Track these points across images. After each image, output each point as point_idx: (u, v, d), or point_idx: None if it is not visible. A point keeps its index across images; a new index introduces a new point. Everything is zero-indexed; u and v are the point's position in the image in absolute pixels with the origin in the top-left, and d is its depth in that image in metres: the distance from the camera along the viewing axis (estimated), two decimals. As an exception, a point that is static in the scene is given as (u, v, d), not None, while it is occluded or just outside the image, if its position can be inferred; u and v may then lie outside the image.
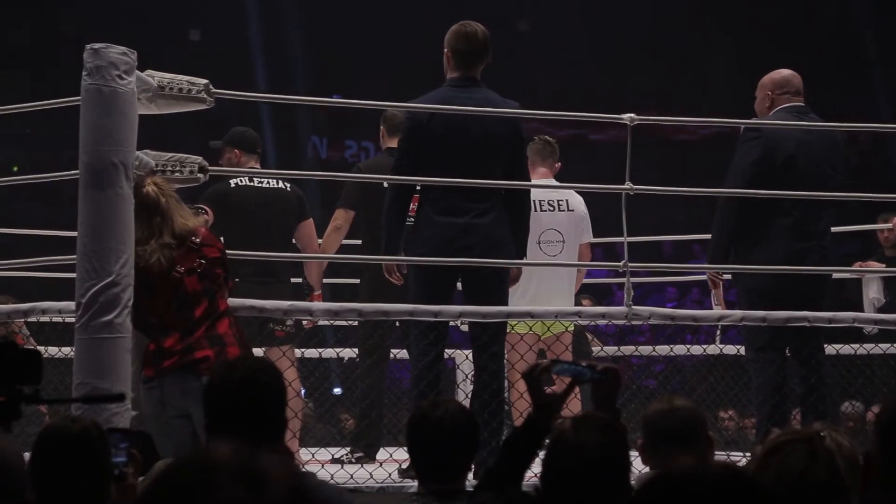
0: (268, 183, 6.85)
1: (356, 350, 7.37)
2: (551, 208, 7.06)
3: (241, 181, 6.79)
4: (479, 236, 5.66)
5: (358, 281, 7.10)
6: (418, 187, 5.87)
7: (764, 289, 5.97)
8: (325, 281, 7.37)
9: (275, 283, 6.62)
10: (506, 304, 5.89)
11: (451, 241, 5.64)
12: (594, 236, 7.40)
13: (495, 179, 5.69)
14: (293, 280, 7.03)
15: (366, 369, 6.98)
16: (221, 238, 5.42)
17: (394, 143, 6.54)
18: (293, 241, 6.90)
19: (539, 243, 6.98)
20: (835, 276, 6.68)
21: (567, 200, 7.12)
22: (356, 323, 6.75)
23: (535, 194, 6.90)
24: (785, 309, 5.79)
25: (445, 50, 5.86)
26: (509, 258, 5.80)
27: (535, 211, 6.86)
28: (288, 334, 6.80)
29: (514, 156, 5.79)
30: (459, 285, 5.84)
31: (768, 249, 5.97)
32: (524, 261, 6.02)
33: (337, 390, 9.78)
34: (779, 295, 5.90)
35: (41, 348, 6.32)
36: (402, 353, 7.24)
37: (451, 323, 6.14)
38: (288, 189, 6.90)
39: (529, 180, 5.90)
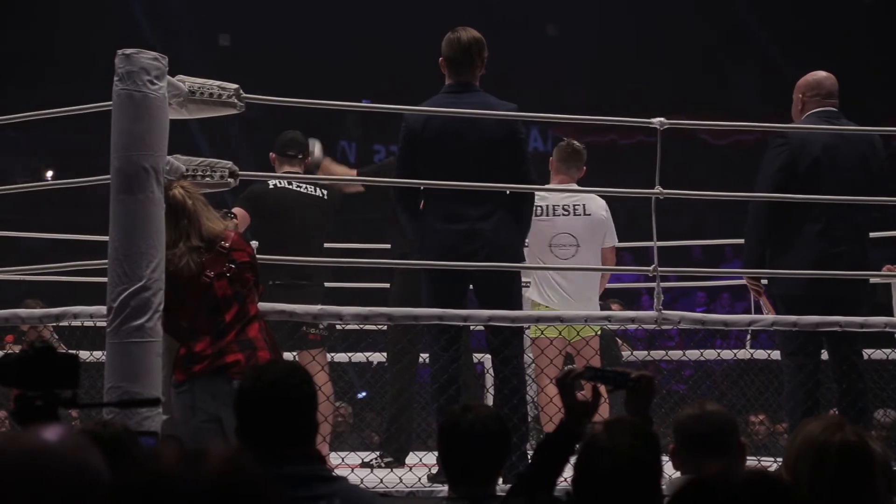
0: (306, 188, 6.89)
1: (384, 354, 7.39)
2: (566, 213, 7.03)
3: (279, 183, 6.84)
4: (482, 241, 5.65)
5: (388, 286, 7.11)
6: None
7: (795, 295, 5.95)
8: (354, 285, 7.38)
9: (309, 287, 6.64)
10: (520, 308, 5.89)
11: (454, 248, 5.62)
12: (623, 241, 7.37)
13: (494, 182, 5.66)
14: (328, 284, 7.07)
15: (395, 374, 6.98)
16: (253, 242, 5.42)
17: None
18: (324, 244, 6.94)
19: (550, 247, 6.96)
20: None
21: (584, 205, 7.06)
22: (385, 327, 6.76)
23: (552, 199, 6.89)
24: (816, 314, 5.77)
25: (440, 58, 5.89)
26: (516, 262, 5.79)
27: (549, 215, 6.86)
28: (322, 338, 6.81)
29: (514, 157, 5.76)
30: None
31: (798, 255, 5.94)
32: (547, 265, 6.00)
33: (362, 394, 9.79)
34: (810, 301, 5.87)
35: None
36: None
37: (473, 327, 6.15)
38: (325, 197, 6.92)
39: (532, 181, 5.84)
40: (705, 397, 6.15)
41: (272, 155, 6.99)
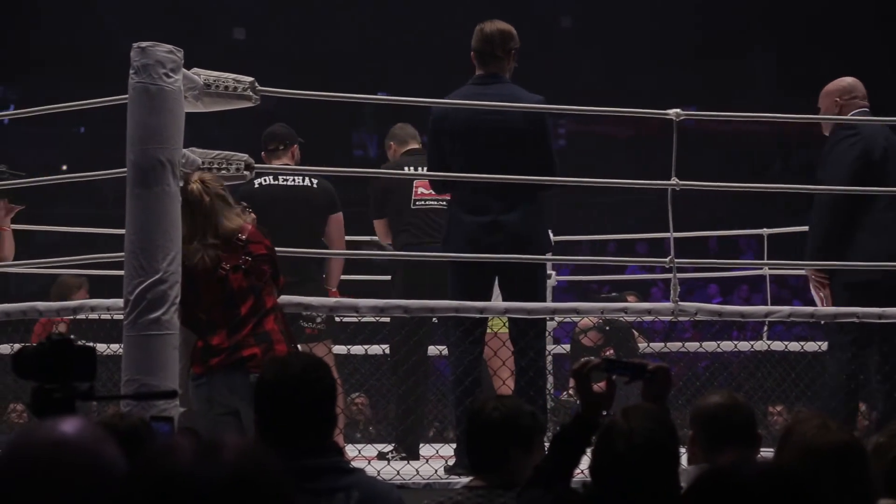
0: (293, 180, 6.81)
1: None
2: None
3: (265, 180, 6.77)
4: (504, 233, 5.64)
5: (388, 278, 7.12)
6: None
7: (870, 281, 5.96)
8: (359, 278, 7.36)
9: (302, 282, 6.57)
10: (544, 301, 5.89)
11: (476, 240, 5.62)
12: (641, 232, 7.36)
13: (516, 174, 5.66)
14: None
15: (407, 369, 6.93)
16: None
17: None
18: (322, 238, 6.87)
19: None
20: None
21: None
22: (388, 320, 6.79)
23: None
24: (881, 305, 5.78)
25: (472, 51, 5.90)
26: (540, 254, 5.79)
27: None
28: (319, 332, 6.79)
29: (539, 148, 5.74)
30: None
31: (869, 245, 5.99)
32: (573, 257, 5.99)
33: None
34: (875, 290, 5.91)
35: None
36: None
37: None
38: (315, 186, 6.82)
39: (555, 172, 5.82)
40: (721, 388, 6.12)
41: (262, 155, 6.91)
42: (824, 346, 6.98)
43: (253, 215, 5.33)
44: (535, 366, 5.69)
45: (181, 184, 4.93)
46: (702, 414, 3.56)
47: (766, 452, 3.93)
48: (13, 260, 7.06)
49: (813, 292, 6.19)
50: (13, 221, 7.09)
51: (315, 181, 6.85)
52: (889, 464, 2.96)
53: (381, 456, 6.49)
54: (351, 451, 6.26)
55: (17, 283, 14.49)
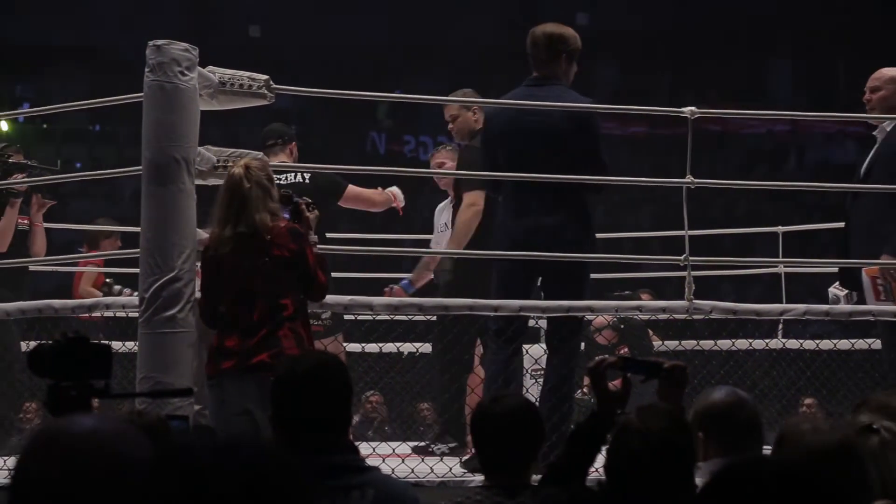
0: (286, 178, 6.74)
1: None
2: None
3: None
4: (544, 235, 5.62)
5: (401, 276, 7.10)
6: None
7: None
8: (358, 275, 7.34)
9: None
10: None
11: (517, 242, 5.61)
12: (658, 230, 7.35)
13: (554, 173, 5.64)
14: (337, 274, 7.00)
15: (445, 365, 6.87)
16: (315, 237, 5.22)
17: None
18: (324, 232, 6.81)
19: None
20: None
21: None
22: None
23: None
24: None
25: None
26: (578, 262, 5.73)
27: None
28: (325, 328, 6.77)
29: (581, 148, 5.71)
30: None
31: None
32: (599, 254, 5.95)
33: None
34: None
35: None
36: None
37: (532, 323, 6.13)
38: (306, 181, 6.69)
39: (603, 171, 5.78)
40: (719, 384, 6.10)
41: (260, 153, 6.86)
42: (840, 344, 6.97)
43: (317, 213, 5.21)
44: (567, 366, 5.66)
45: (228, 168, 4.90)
46: (707, 414, 3.53)
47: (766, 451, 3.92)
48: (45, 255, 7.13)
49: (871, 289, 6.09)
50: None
51: (307, 175, 6.76)
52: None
53: (422, 450, 6.44)
54: (365, 449, 6.25)
55: (34, 280, 14.51)
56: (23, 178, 6.76)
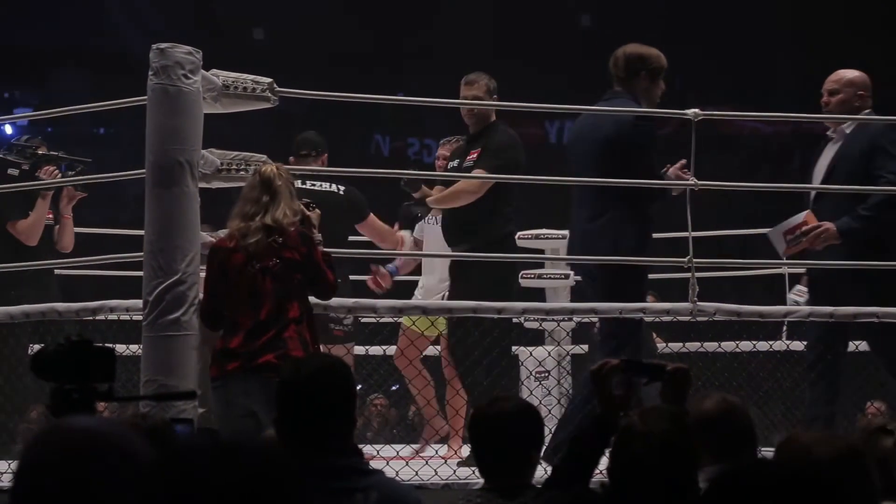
0: (320, 186, 6.76)
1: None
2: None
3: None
4: (589, 243, 5.82)
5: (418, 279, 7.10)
6: None
7: None
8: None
9: None
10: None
11: (568, 252, 5.91)
12: (660, 232, 7.33)
13: (603, 184, 5.79)
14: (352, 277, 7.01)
15: (467, 368, 6.83)
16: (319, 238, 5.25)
17: None
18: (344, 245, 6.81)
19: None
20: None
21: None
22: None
23: None
24: None
25: None
26: (611, 267, 5.76)
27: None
28: (346, 333, 6.77)
29: (622, 157, 5.78)
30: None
31: None
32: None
33: (395, 387, 9.78)
34: None
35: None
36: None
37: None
38: (341, 192, 6.78)
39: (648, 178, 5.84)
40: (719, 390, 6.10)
41: (291, 158, 6.85)
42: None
43: (318, 211, 5.26)
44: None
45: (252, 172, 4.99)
46: (698, 421, 3.49)
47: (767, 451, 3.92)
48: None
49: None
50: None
51: (342, 188, 6.81)
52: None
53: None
54: (368, 451, 6.25)
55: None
56: (53, 170, 6.86)
